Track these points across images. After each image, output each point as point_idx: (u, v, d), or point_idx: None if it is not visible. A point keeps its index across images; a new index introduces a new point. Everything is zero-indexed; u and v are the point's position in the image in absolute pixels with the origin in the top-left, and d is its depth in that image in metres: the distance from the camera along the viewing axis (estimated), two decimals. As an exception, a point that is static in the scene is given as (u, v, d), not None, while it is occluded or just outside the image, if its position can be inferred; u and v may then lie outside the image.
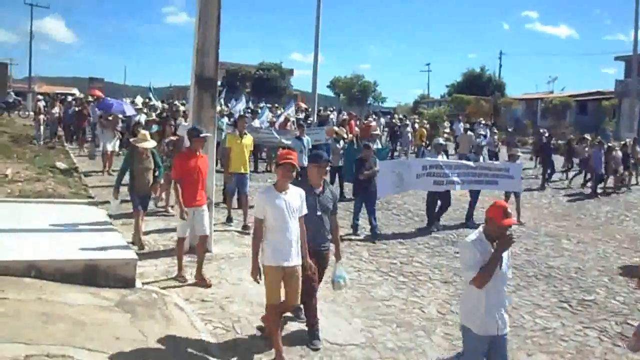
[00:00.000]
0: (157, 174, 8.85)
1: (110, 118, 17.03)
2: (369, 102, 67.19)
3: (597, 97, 43.31)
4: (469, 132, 22.24)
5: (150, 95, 30.95)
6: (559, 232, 11.79)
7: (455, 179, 11.10)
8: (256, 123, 18.08)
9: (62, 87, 64.82)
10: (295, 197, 5.20)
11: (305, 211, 5.31)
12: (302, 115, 25.85)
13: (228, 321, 6.17)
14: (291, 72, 70.09)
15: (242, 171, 10.21)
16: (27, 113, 36.33)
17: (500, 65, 59.28)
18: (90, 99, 31.30)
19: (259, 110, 23.39)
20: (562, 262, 9.58)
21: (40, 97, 30.72)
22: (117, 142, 16.62)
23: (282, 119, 20.59)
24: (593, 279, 8.74)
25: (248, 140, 10.48)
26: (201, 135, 7.39)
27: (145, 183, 8.62)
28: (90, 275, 6.30)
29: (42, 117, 22.07)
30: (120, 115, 18.03)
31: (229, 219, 10.59)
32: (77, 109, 22.64)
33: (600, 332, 6.67)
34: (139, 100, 28.96)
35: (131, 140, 9.53)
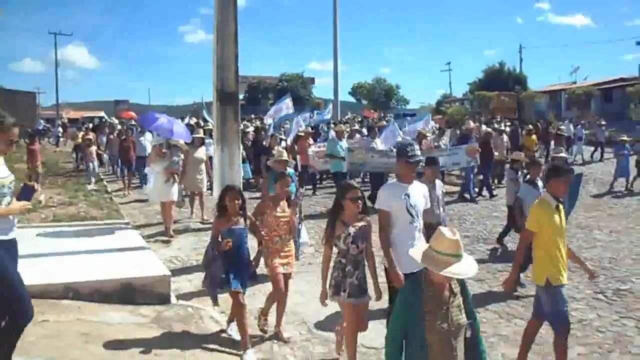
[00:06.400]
0: None
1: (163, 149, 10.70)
2: (392, 105, 67.18)
3: (621, 84, 42.72)
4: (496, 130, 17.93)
5: (204, 113, 23.68)
6: (590, 223, 11.66)
7: None
8: (377, 143, 13.90)
9: (89, 112, 66.07)
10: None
11: None
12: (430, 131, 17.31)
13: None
14: (312, 80, 70.46)
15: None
16: (54, 139, 37.32)
17: (521, 59, 58.90)
18: (115, 120, 31.22)
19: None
20: (595, 253, 9.47)
21: (88, 124, 27.27)
22: (176, 188, 10.68)
23: (413, 134, 15.52)
24: (627, 267, 8.64)
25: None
26: None
27: None
28: (126, 293, 6.42)
29: (94, 149, 17.85)
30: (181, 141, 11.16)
31: None
32: (111, 136, 19.73)
33: (638, 321, 6.59)
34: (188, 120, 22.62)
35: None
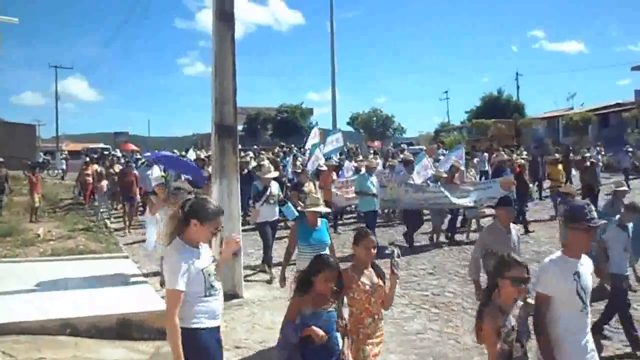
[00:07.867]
0: None
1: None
2: (388, 135, 67.25)
3: (617, 109, 42.97)
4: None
5: None
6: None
7: None
8: (416, 178, 13.33)
9: (89, 144, 66.25)
10: None
11: None
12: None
13: (263, 366, 6.16)
14: (311, 111, 70.75)
15: None
16: (55, 172, 37.38)
17: (518, 87, 59.23)
18: (117, 153, 31.20)
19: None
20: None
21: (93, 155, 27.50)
22: None
23: (446, 166, 14.26)
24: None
25: None
26: None
27: None
28: (124, 329, 6.36)
29: (104, 183, 17.42)
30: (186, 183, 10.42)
31: None
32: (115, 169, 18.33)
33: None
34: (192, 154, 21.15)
35: None
